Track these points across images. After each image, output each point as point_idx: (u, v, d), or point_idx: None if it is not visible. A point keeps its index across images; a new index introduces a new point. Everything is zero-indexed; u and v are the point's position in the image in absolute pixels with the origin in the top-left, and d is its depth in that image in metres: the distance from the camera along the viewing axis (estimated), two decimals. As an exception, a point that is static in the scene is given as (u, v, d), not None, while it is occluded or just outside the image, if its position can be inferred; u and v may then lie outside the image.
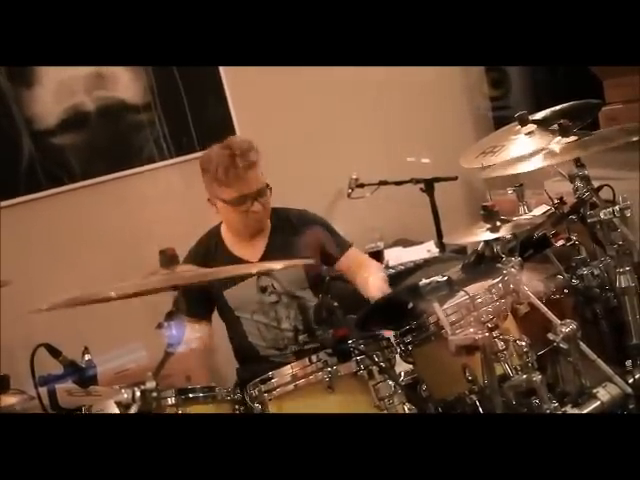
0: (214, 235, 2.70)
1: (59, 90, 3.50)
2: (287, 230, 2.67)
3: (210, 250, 2.66)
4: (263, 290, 2.57)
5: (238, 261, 2.59)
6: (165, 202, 3.60)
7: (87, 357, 1.69)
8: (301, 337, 2.56)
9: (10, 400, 1.75)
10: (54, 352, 1.63)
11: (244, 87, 3.82)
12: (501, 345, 1.87)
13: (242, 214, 2.51)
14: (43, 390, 1.60)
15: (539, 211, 2.33)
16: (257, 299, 2.57)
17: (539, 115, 2.35)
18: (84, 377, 1.63)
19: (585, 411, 1.74)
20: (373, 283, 2.51)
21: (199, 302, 2.52)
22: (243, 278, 2.53)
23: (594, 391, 1.76)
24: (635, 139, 2.00)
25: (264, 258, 2.60)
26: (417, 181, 3.09)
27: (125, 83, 3.64)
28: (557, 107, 2.41)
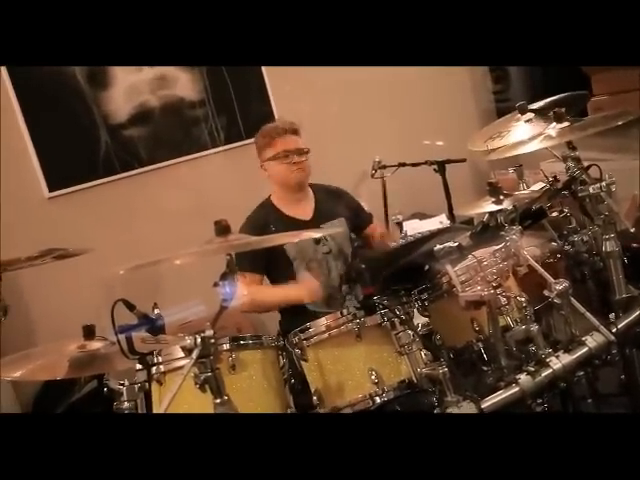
0: (265, 205, 2.68)
1: (129, 90, 3.54)
2: (327, 197, 2.71)
3: (263, 217, 2.61)
4: (317, 242, 2.57)
5: (293, 220, 2.59)
6: (217, 182, 3.65)
7: (157, 311, 1.70)
8: (344, 287, 2.54)
9: (96, 345, 1.78)
10: (130, 306, 1.64)
11: (283, 85, 3.81)
12: (504, 301, 1.85)
13: (287, 166, 2.56)
14: (122, 337, 1.62)
15: (536, 187, 2.30)
16: (312, 249, 2.56)
17: (536, 105, 2.29)
18: (154, 327, 1.63)
19: (575, 356, 1.73)
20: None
21: (254, 258, 2.45)
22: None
23: (583, 339, 1.74)
24: (617, 124, 1.95)
25: (315, 216, 2.62)
26: (431, 163, 3.06)
27: (183, 83, 3.66)
28: (551, 98, 2.35)
